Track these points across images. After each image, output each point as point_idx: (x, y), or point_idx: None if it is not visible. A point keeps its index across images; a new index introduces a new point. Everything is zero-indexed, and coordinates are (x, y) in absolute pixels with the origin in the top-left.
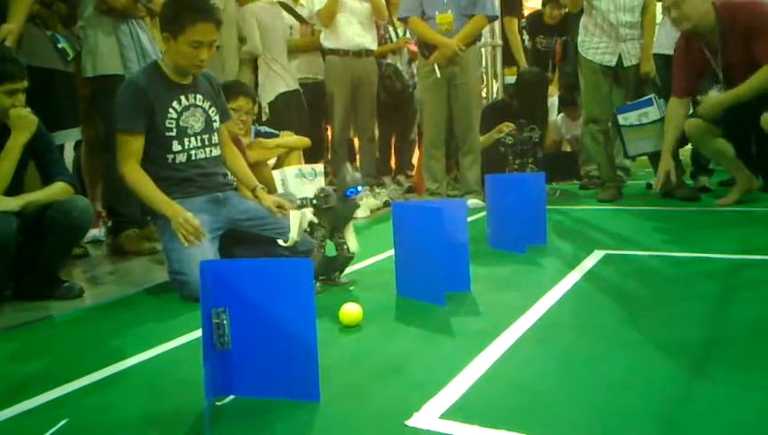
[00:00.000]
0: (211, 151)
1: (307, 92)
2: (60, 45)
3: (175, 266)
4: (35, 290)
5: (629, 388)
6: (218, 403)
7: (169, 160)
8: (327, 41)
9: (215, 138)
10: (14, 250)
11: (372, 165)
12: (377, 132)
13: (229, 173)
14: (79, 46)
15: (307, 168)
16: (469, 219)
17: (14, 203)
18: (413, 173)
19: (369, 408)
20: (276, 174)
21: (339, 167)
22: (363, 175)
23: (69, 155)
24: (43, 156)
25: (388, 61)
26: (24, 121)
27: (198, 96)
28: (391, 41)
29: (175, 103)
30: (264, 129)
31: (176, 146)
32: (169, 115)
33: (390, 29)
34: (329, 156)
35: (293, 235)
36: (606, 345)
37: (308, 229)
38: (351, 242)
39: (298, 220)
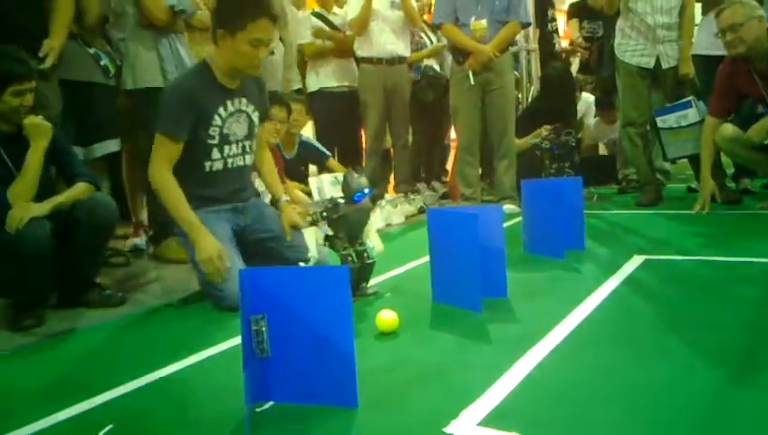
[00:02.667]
0: (246, 160)
1: (343, 100)
2: (102, 62)
3: (210, 283)
4: (77, 297)
5: (671, 396)
6: (258, 410)
7: (206, 168)
8: (360, 49)
9: (253, 144)
10: (52, 254)
11: (406, 171)
12: (410, 139)
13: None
14: (119, 61)
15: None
16: (505, 225)
17: (43, 208)
18: (447, 179)
19: (407, 414)
20: (313, 181)
21: (372, 174)
22: (398, 181)
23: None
24: (62, 160)
25: (426, 63)
26: (40, 129)
27: (244, 100)
28: (425, 47)
29: (221, 109)
30: (309, 141)
31: (215, 154)
32: (214, 123)
33: (424, 35)
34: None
35: (312, 252)
36: (646, 352)
37: (326, 243)
38: (376, 242)
39: (313, 236)
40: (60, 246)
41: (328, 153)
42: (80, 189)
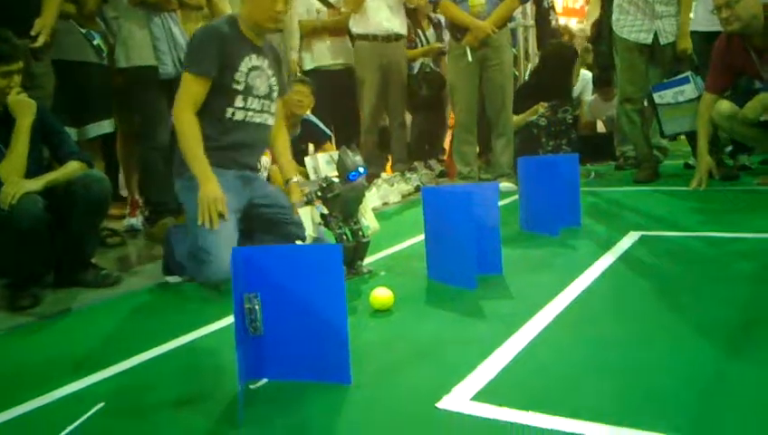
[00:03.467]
0: (267, 119)
1: (338, 78)
2: (95, 42)
3: (200, 243)
4: (73, 277)
5: (663, 370)
6: (252, 387)
7: (228, 114)
8: (356, 26)
9: (273, 107)
10: (47, 230)
11: (403, 150)
12: (409, 118)
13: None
14: (113, 41)
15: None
16: (502, 203)
17: (35, 184)
18: (445, 157)
19: (400, 390)
20: (308, 161)
21: (368, 152)
22: (394, 160)
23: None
24: (53, 139)
25: (422, 60)
26: (24, 106)
27: (267, 61)
28: (422, 45)
29: (247, 59)
30: (312, 118)
31: (239, 101)
32: (240, 69)
33: (420, 32)
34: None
35: (309, 231)
36: (640, 328)
37: (321, 222)
38: (371, 221)
39: (309, 216)
40: (55, 224)
41: (329, 133)
42: (72, 168)
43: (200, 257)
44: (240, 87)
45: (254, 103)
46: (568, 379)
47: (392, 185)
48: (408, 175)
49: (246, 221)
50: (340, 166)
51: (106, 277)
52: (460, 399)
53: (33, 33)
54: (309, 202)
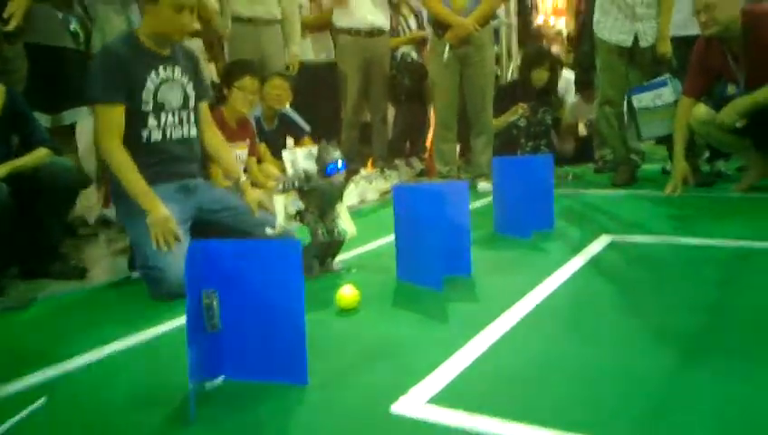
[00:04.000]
0: (189, 131)
1: (320, 73)
2: (71, 27)
3: (149, 261)
4: (40, 268)
5: (620, 376)
6: (207, 385)
7: (144, 138)
8: (339, 20)
9: (192, 116)
10: (11, 218)
11: (384, 146)
12: (392, 113)
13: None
14: (91, 26)
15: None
16: (479, 204)
17: (0, 170)
18: (426, 156)
19: (356, 392)
20: (286, 155)
21: (349, 148)
22: (375, 156)
23: (85, 129)
24: (22, 125)
25: (404, 50)
26: None
27: (177, 69)
28: (404, 32)
29: (153, 74)
30: (290, 112)
31: (151, 121)
32: (146, 87)
33: (402, 20)
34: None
35: (280, 220)
36: (601, 332)
37: (297, 216)
38: (347, 224)
39: (282, 205)
40: (21, 214)
41: (308, 128)
42: (40, 155)
43: (153, 275)
44: (149, 107)
45: (169, 119)
46: (525, 383)
47: (371, 182)
48: (388, 172)
49: (201, 229)
50: (319, 159)
51: (73, 269)
52: (416, 401)
53: (5, 15)
54: (285, 190)
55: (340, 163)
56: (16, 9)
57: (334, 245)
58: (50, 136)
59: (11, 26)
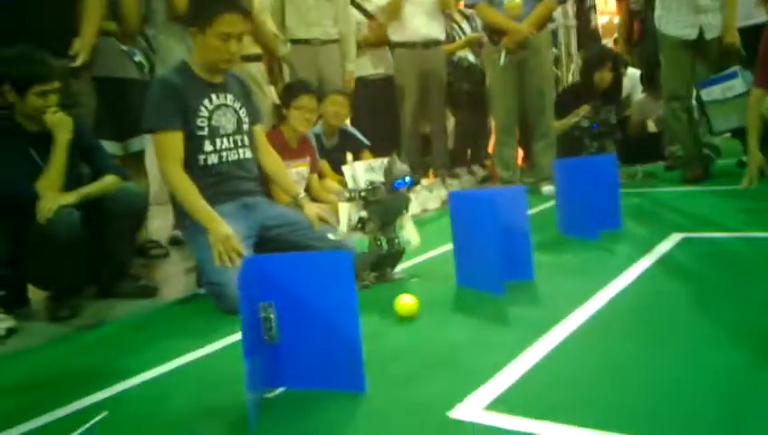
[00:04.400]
0: (244, 153)
1: (379, 87)
2: (136, 59)
3: (213, 277)
4: (111, 289)
5: (686, 380)
6: (268, 396)
7: (201, 162)
8: (394, 34)
9: (246, 139)
10: (83, 242)
11: (445, 156)
12: (452, 123)
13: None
14: (154, 58)
15: (377, 162)
16: (543, 207)
17: (71, 197)
18: (490, 162)
19: (414, 399)
20: (347, 169)
21: (409, 159)
22: (437, 166)
23: (151, 159)
24: (90, 155)
25: (461, 55)
26: (62, 123)
27: (229, 96)
28: (459, 37)
29: (206, 102)
30: (350, 129)
31: (208, 146)
32: (201, 114)
33: (456, 26)
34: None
35: (342, 227)
36: (669, 333)
37: (359, 225)
38: (412, 234)
39: (347, 212)
40: (92, 237)
41: (367, 142)
42: (108, 181)
43: (216, 291)
44: (204, 132)
45: (224, 143)
46: (586, 389)
47: (431, 191)
48: (449, 181)
49: (264, 245)
50: (387, 172)
51: (143, 288)
52: (473, 408)
53: (71, 52)
54: (351, 199)
55: (407, 178)
56: (83, 45)
57: (394, 255)
58: (121, 163)
59: (78, 62)
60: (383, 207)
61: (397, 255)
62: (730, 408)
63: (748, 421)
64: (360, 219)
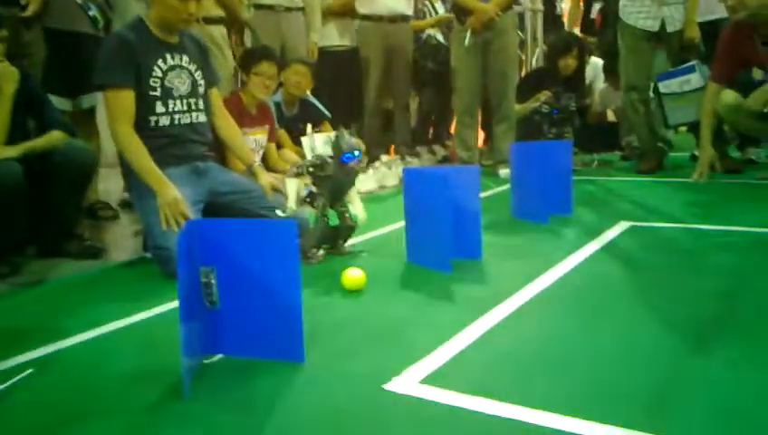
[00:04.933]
0: (197, 117)
1: (343, 59)
2: (91, 13)
3: (159, 241)
4: (56, 248)
5: (619, 362)
6: (206, 361)
7: (152, 124)
8: (361, 6)
9: (201, 103)
10: (24, 198)
11: (407, 133)
12: (415, 102)
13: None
14: (110, 14)
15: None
16: (499, 189)
17: (13, 151)
18: (451, 143)
19: (352, 371)
20: (305, 140)
21: (371, 134)
22: (398, 144)
23: (102, 118)
24: (37, 109)
25: (429, 32)
26: (6, 75)
27: (185, 57)
28: (430, 15)
29: (160, 62)
30: (311, 99)
31: (159, 107)
32: (154, 73)
33: (428, 3)
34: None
35: (291, 203)
36: (606, 317)
37: (307, 199)
38: (359, 210)
39: (295, 188)
40: (37, 193)
41: (328, 115)
42: (53, 137)
43: (162, 255)
44: (157, 93)
45: (177, 105)
46: (521, 365)
47: (390, 168)
48: (409, 159)
49: (214, 212)
50: (336, 147)
51: (88, 249)
52: (409, 381)
53: (22, 1)
54: (298, 174)
55: (356, 152)
56: None
57: (346, 229)
58: (70, 120)
59: (29, 12)
60: (332, 182)
61: (348, 229)
62: (657, 389)
63: (673, 401)
64: (310, 193)
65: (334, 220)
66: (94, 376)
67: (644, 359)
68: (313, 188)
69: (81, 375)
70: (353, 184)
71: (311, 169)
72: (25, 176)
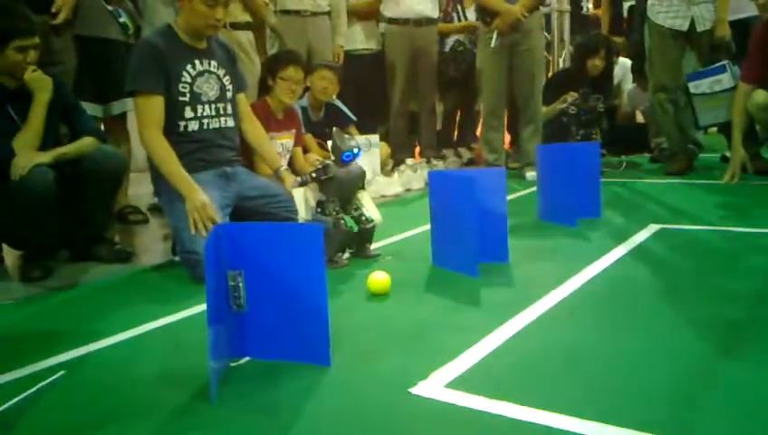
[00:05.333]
0: (225, 121)
1: (368, 63)
2: (121, 20)
3: (187, 246)
4: (87, 252)
5: (647, 366)
6: (233, 364)
7: (181, 129)
8: (387, 9)
9: (229, 108)
10: (56, 203)
11: (432, 136)
12: (440, 105)
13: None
14: (140, 21)
15: (361, 138)
16: (525, 192)
17: (45, 157)
18: (477, 146)
19: (378, 374)
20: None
21: (397, 137)
22: (423, 146)
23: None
24: (70, 116)
25: (458, 38)
26: (41, 82)
27: (213, 62)
28: (459, 20)
29: (189, 67)
30: (337, 103)
31: (188, 112)
32: (183, 79)
33: (459, 8)
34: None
35: (302, 213)
36: (636, 320)
37: (319, 208)
38: (372, 211)
39: (302, 198)
40: (68, 198)
41: (354, 118)
42: (85, 143)
43: (190, 259)
44: (186, 98)
45: (206, 110)
46: (547, 370)
47: (416, 171)
48: (435, 162)
49: (242, 216)
50: (335, 148)
51: (118, 253)
52: (435, 385)
53: (53, 9)
54: (303, 183)
55: (356, 150)
56: (64, 2)
57: (365, 232)
58: (101, 126)
59: (59, 19)
60: (337, 184)
61: (368, 231)
62: (685, 394)
63: (702, 407)
64: (319, 202)
65: (354, 227)
66: (123, 378)
67: (672, 363)
68: (321, 196)
69: (110, 377)
70: (361, 187)
71: (314, 175)
72: (57, 181)
